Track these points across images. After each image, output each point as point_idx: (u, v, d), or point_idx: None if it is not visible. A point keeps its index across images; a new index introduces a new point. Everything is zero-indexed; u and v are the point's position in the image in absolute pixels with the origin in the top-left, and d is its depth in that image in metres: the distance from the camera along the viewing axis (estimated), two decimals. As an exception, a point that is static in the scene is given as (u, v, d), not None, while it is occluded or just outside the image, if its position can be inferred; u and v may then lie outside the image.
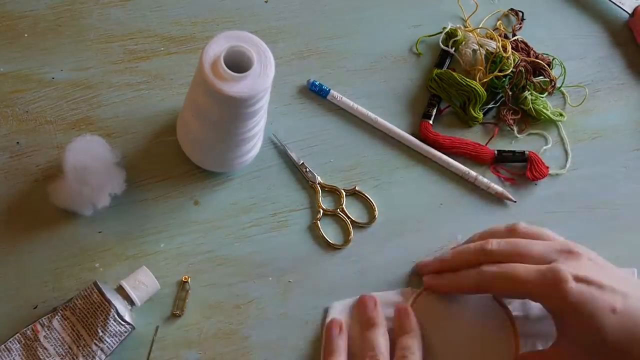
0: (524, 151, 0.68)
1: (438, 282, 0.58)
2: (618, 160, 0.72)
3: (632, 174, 0.71)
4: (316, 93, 0.67)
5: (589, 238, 0.67)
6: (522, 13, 0.76)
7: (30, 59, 0.64)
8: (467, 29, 0.72)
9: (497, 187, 0.66)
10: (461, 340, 0.57)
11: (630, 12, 0.77)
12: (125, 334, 0.52)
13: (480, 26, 0.73)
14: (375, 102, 0.68)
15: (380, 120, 0.67)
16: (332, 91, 0.67)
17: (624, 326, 0.49)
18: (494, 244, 0.55)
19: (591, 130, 0.73)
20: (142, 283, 0.53)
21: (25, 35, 0.64)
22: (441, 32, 0.72)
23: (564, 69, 0.73)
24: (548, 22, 0.77)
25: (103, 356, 0.51)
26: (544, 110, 0.70)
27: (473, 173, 0.66)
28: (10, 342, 0.51)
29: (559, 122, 0.71)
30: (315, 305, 0.59)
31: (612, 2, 0.77)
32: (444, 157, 0.67)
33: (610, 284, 0.50)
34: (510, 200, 0.67)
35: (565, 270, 0.50)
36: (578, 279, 0.50)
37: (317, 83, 0.67)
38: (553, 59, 0.72)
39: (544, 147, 0.70)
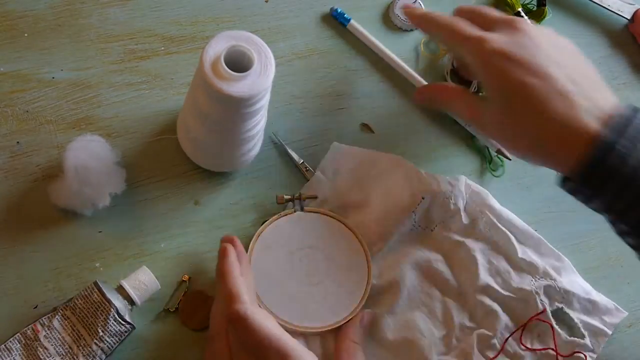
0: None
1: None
2: (618, 160, 0.71)
3: (632, 173, 0.71)
4: (337, 21, 0.71)
5: (590, 238, 0.67)
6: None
7: (30, 59, 0.63)
8: None
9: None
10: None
11: (629, 17, 0.77)
12: (126, 334, 0.52)
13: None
14: (375, 102, 0.69)
15: (396, 59, 0.70)
16: (352, 21, 0.70)
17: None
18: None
19: (591, 130, 0.73)
20: (142, 283, 0.53)
21: (25, 35, 0.64)
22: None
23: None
24: (548, 22, 0.77)
25: (103, 356, 0.51)
26: None
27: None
28: (10, 341, 0.51)
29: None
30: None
31: (610, 10, 0.78)
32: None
33: (533, 62, 0.50)
34: (507, 158, 0.67)
35: (491, 41, 0.51)
36: (500, 52, 0.51)
37: (339, 11, 0.70)
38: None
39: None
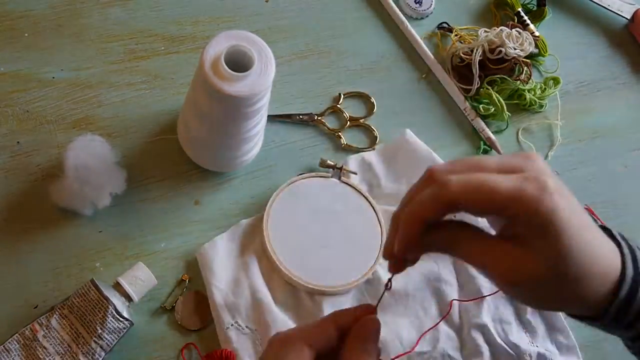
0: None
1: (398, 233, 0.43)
2: (618, 160, 0.72)
3: (632, 173, 0.71)
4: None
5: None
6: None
7: (31, 59, 0.63)
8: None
9: (490, 133, 0.68)
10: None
11: (629, 17, 0.77)
12: (124, 330, 0.52)
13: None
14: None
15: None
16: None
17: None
18: (439, 167, 0.41)
19: (591, 130, 0.73)
20: (139, 279, 0.53)
21: (26, 35, 0.64)
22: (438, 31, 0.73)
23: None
24: (548, 22, 0.77)
25: (102, 353, 0.51)
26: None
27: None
28: (9, 342, 0.51)
29: (557, 122, 0.71)
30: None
31: (610, 10, 0.78)
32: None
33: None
34: (498, 153, 0.67)
35: (548, 177, 0.39)
36: (556, 191, 0.39)
37: None
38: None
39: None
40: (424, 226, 0.41)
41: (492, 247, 0.41)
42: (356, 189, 0.62)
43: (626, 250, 0.44)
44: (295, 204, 0.60)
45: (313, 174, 0.62)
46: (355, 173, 0.63)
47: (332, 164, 0.62)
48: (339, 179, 0.62)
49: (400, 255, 0.42)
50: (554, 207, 0.39)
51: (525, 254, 0.40)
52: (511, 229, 0.41)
